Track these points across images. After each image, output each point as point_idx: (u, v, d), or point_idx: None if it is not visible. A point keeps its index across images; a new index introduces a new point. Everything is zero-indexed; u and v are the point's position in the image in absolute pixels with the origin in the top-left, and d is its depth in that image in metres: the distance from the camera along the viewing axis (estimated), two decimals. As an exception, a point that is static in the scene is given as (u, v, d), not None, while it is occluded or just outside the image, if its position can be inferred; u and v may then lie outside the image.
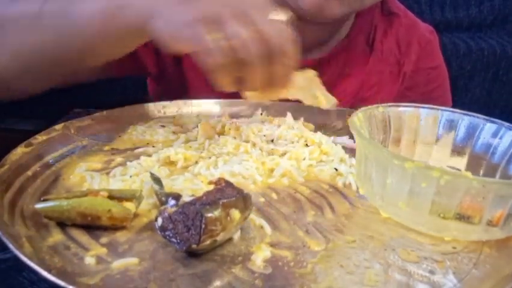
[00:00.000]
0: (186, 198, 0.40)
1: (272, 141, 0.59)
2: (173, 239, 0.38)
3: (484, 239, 0.43)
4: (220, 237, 0.38)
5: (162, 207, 0.40)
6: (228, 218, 0.39)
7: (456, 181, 0.41)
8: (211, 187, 0.42)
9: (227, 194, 0.40)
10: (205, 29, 0.48)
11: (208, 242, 0.37)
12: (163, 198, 0.42)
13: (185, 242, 0.37)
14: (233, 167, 0.51)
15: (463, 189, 0.40)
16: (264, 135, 0.60)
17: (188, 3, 0.50)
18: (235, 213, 0.39)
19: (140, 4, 0.53)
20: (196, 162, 0.53)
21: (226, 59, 0.48)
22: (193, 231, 0.37)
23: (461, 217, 0.42)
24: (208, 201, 0.39)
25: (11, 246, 0.36)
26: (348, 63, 0.83)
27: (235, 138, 0.59)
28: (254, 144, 0.57)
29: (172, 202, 0.40)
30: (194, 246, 0.37)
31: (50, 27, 0.56)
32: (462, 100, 1.42)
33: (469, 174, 0.45)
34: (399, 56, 0.85)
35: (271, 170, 0.53)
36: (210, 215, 0.37)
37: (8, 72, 0.58)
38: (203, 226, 0.37)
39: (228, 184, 0.42)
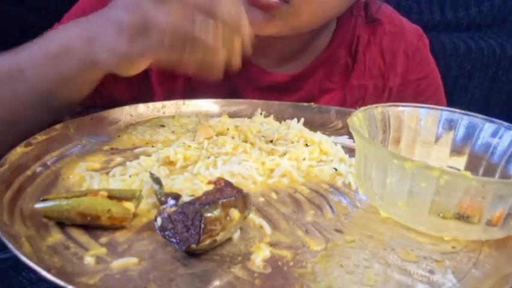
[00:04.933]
0: (186, 198, 0.40)
1: (272, 141, 0.60)
2: (173, 239, 0.38)
3: (484, 239, 0.43)
4: (219, 237, 0.38)
5: (161, 207, 0.40)
6: (228, 217, 0.39)
7: (455, 181, 0.41)
8: (211, 187, 0.42)
9: (226, 193, 0.40)
10: (136, 38, 0.49)
11: (207, 241, 0.37)
12: (163, 198, 0.42)
13: (185, 242, 0.37)
14: (233, 167, 0.51)
15: (463, 189, 0.40)
16: (263, 136, 0.60)
17: (114, 14, 0.52)
18: (235, 213, 0.39)
19: (79, 46, 0.54)
20: (196, 162, 0.53)
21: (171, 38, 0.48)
22: (193, 231, 0.37)
23: (461, 217, 0.42)
24: (207, 201, 0.39)
25: (10, 245, 0.36)
26: (329, 77, 0.78)
27: (233, 138, 0.59)
28: (253, 144, 0.57)
29: (171, 202, 0.40)
30: (193, 246, 0.37)
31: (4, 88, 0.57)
32: (461, 100, 1.42)
33: (468, 174, 0.45)
34: (384, 69, 0.80)
35: (271, 170, 0.53)
36: (209, 214, 0.37)
37: None
38: (202, 226, 0.37)
39: (228, 184, 0.42)
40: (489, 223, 0.42)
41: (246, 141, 0.58)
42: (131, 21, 0.50)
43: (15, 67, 0.57)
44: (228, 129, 0.60)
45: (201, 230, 0.37)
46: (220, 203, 0.38)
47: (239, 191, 0.41)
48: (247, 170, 0.51)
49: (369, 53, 0.79)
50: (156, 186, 0.44)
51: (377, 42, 0.80)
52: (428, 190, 0.41)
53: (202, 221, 0.37)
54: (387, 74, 0.80)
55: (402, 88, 0.81)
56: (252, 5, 0.62)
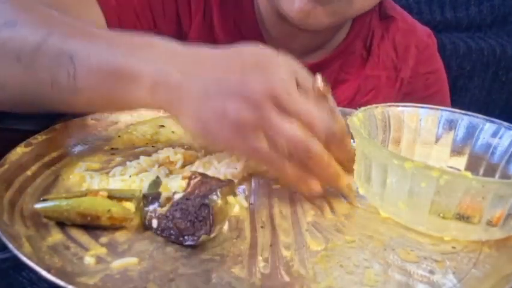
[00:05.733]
0: (177, 195, 0.40)
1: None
2: (181, 238, 0.39)
3: (484, 239, 0.43)
4: (224, 223, 0.40)
5: (149, 209, 0.40)
6: (227, 204, 0.40)
7: (455, 181, 0.41)
8: (188, 181, 0.43)
9: (215, 183, 0.41)
10: (239, 134, 0.43)
11: (216, 229, 0.39)
12: (144, 201, 0.42)
13: (194, 235, 0.38)
14: (230, 165, 0.51)
15: (463, 189, 0.40)
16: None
17: (215, 97, 0.44)
18: (232, 199, 0.41)
19: (158, 95, 0.45)
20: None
21: (280, 161, 0.44)
22: (199, 224, 0.38)
23: (461, 217, 0.42)
24: (203, 193, 0.39)
25: (10, 245, 0.36)
26: (345, 68, 0.81)
27: None
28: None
29: (155, 202, 0.41)
30: (205, 237, 0.38)
31: (41, 71, 0.49)
32: (461, 100, 1.42)
33: (468, 174, 0.45)
34: (397, 61, 0.84)
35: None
36: (215, 204, 0.38)
37: (2, 99, 0.53)
38: (211, 217, 0.38)
39: (205, 175, 0.43)
40: (489, 223, 0.42)
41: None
42: (249, 118, 0.43)
43: (66, 51, 0.48)
44: None
45: (211, 221, 0.38)
46: (218, 191, 0.39)
47: (221, 180, 0.43)
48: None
49: (383, 47, 0.82)
50: (145, 188, 0.45)
51: (390, 37, 0.83)
52: (428, 190, 0.41)
53: (211, 211, 0.38)
54: (399, 65, 0.83)
55: (412, 80, 0.85)
56: None
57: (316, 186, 0.46)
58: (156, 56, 0.47)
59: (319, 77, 0.47)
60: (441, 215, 0.42)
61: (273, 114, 0.43)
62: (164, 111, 0.50)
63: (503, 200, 0.41)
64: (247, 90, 0.43)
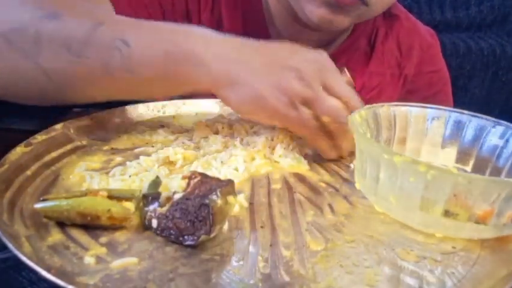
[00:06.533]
0: (177, 195, 0.40)
1: (272, 139, 0.59)
2: (180, 238, 0.39)
3: (476, 237, 0.43)
4: (223, 223, 0.40)
5: (148, 209, 0.40)
6: (227, 204, 0.40)
7: (442, 176, 0.41)
8: (188, 181, 0.43)
9: (215, 183, 0.41)
10: (292, 105, 0.50)
11: (216, 229, 0.39)
12: (144, 201, 0.42)
13: (194, 235, 0.38)
14: (230, 166, 0.51)
15: (450, 185, 0.40)
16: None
17: (270, 70, 0.51)
18: (231, 199, 0.41)
19: (215, 66, 0.51)
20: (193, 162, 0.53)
21: (318, 131, 0.52)
22: (199, 224, 0.38)
23: (450, 213, 0.42)
24: (203, 193, 0.39)
25: (10, 245, 0.36)
26: (349, 65, 0.81)
27: (225, 136, 0.58)
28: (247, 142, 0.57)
29: (155, 202, 0.41)
30: (204, 237, 0.38)
31: (93, 57, 0.51)
32: (461, 100, 1.42)
33: (455, 170, 0.44)
34: (400, 59, 0.84)
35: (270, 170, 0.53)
36: (215, 204, 0.38)
37: (49, 89, 0.54)
38: (211, 217, 0.38)
39: (205, 175, 0.43)
40: (478, 221, 0.41)
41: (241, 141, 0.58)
42: (301, 91, 0.50)
43: (116, 45, 0.50)
44: (222, 128, 0.60)
45: (211, 221, 0.38)
46: (218, 191, 0.39)
47: (221, 180, 0.42)
48: (248, 169, 0.52)
49: (387, 44, 0.84)
50: (145, 188, 0.45)
51: (394, 35, 0.84)
52: (417, 185, 0.41)
53: (211, 211, 0.38)
54: (403, 63, 0.85)
55: (415, 79, 0.86)
56: (333, 2, 0.65)
57: (345, 152, 0.55)
58: (209, 38, 0.53)
59: (346, 70, 0.57)
60: (430, 211, 0.42)
61: (321, 91, 0.51)
62: (217, 85, 0.52)
63: (491, 198, 0.40)
64: (301, 68, 0.51)
